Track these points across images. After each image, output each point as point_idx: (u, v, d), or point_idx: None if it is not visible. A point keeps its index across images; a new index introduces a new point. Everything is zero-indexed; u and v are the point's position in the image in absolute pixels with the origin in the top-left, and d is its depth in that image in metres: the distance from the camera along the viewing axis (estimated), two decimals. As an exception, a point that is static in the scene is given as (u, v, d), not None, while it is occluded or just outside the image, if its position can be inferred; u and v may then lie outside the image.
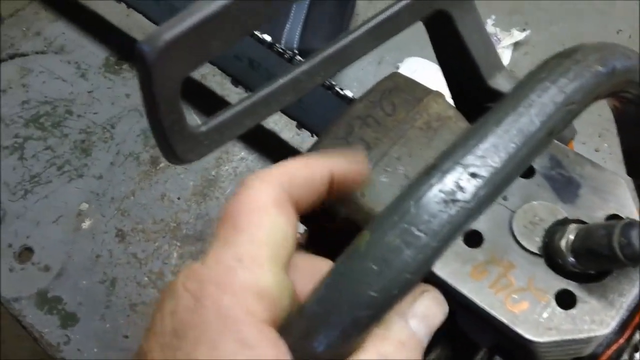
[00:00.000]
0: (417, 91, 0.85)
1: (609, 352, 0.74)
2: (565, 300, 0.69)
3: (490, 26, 1.58)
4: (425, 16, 0.77)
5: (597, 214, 0.74)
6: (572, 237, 0.68)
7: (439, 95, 0.86)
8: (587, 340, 0.67)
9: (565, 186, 0.76)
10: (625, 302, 0.68)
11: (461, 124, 0.84)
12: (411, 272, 0.50)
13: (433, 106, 0.85)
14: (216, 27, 0.55)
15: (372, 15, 0.73)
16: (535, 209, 0.74)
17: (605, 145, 1.66)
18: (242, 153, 1.53)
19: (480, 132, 0.53)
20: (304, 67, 0.69)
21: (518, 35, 1.58)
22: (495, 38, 1.55)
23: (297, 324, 0.51)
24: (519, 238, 0.72)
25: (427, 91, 0.86)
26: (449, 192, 0.51)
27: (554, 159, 0.78)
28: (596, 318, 0.67)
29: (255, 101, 0.66)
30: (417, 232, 0.50)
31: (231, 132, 0.66)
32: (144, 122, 1.60)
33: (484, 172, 0.52)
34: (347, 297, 0.51)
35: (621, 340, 0.75)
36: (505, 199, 0.76)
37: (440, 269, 0.71)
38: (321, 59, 0.70)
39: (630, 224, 0.62)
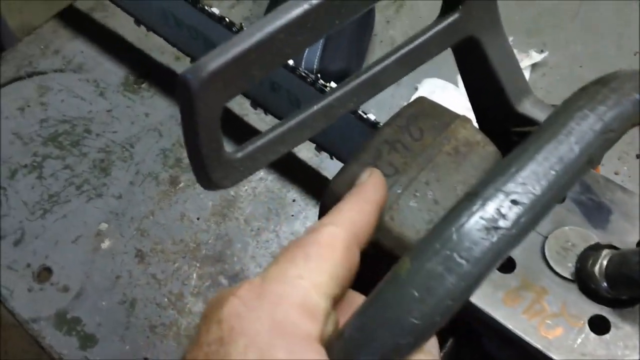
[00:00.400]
0: (444, 116, 0.86)
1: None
2: (599, 325, 0.69)
3: (507, 48, 1.58)
4: (455, 42, 0.77)
5: (628, 239, 0.74)
6: (605, 262, 0.68)
7: (467, 120, 0.86)
8: (621, 367, 0.67)
9: (596, 211, 0.76)
10: (660, 328, 0.68)
11: (489, 148, 0.84)
12: (453, 298, 0.51)
13: (461, 131, 0.85)
14: (256, 58, 0.56)
15: (402, 43, 0.73)
16: (567, 234, 0.74)
17: (625, 168, 1.67)
18: (261, 173, 1.53)
19: (520, 159, 0.54)
20: (336, 95, 0.70)
21: (536, 57, 1.58)
22: (512, 60, 1.55)
23: (338, 346, 0.52)
24: (551, 263, 0.72)
25: (454, 116, 0.86)
26: (491, 219, 0.51)
27: (584, 184, 0.79)
28: (630, 344, 0.67)
29: (289, 128, 0.67)
30: (459, 259, 0.50)
31: (265, 158, 0.66)
32: (163, 142, 1.61)
33: (525, 200, 0.52)
34: (389, 323, 0.51)
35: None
36: (536, 224, 0.76)
37: (473, 295, 0.71)
38: (353, 86, 0.71)
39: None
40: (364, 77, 0.71)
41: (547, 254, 0.73)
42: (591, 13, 1.70)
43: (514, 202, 0.52)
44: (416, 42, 0.72)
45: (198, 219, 1.50)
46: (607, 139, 0.55)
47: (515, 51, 0.88)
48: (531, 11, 1.72)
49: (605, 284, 0.68)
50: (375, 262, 0.66)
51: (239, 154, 0.64)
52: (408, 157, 0.83)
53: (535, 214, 0.52)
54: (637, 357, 0.66)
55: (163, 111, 1.67)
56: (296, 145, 0.70)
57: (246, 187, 1.52)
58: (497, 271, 0.72)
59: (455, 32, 0.75)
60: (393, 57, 0.72)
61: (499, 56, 0.82)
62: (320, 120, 0.70)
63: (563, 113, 0.56)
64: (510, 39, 1.63)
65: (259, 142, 0.65)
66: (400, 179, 0.81)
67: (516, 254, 0.74)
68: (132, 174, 1.58)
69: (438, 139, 0.84)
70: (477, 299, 0.71)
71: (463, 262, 0.50)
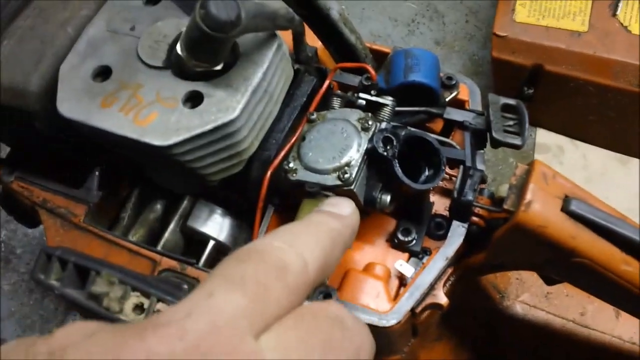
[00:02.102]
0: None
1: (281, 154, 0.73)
2: (193, 100, 0.67)
3: None
4: None
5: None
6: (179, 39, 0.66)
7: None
8: (219, 131, 0.65)
9: (192, 2, 0.74)
10: (250, 84, 0.67)
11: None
12: None
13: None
14: None
15: None
16: (160, 28, 0.72)
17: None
18: None
19: None
20: None
21: None
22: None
23: None
24: (143, 58, 0.70)
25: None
26: None
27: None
28: (222, 106, 0.66)
29: None
30: None
31: None
32: None
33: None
34: None
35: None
36: (133, 29, 0.73)
37: (70, 110, 0.68)
38: None
39: (208, -4, 0.60)
40: None
41: (139, 51, 0.70)
42: None
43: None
44: None
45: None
46: None
47: None
48: None
49: (187, 56, 0.66)
50: None
51: None
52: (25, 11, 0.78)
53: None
54: (233, 116, 0.65)
55: None
56: None
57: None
58: (92, 81, 0.69)
59: None
60: None
61: None
62: None
63: None
64: None
65: None
66: (8, 30, 0.76)
67: (112, 61, 0.71)
68: None
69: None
70: (75, 113, 0.68)
71: None
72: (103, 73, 0.70)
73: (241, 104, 0.66)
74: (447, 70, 0.83)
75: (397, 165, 0.68)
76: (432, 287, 0.73)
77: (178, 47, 0.66)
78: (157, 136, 0.65)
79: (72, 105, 0.68)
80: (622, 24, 1.31)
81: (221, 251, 0.82)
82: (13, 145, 0.89)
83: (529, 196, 0.64)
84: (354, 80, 0.83)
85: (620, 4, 1.33)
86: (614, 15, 1.32)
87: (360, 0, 1.90)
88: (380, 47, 0.93)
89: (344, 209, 0.55)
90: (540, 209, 0.63)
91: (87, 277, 0.73)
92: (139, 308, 0.52)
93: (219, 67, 0.68)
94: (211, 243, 0.81)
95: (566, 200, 0.65)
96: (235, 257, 0.42)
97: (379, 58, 0.90)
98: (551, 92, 1.39)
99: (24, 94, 0.73)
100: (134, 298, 0.70)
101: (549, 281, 0.81)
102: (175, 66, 0.68)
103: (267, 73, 0.69)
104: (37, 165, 0.87)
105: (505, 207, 0.66)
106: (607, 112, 1.38)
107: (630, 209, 1.40)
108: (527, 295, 1.03)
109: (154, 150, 0.65)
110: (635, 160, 1.49)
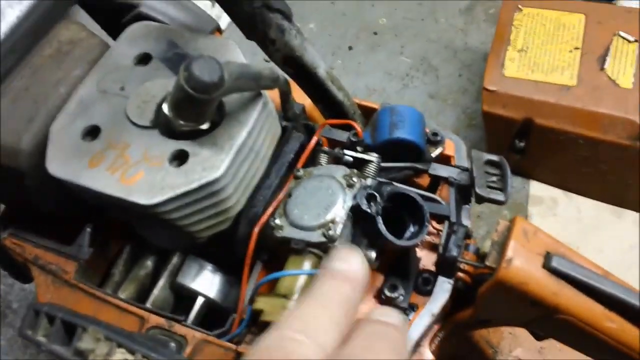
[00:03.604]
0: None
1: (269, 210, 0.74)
2: (179, 159, 0.68)
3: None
4: None
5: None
6: (169, 97, 0.68)
7: (71, 21, 0.85)
8: (204, 189, 0.66)
9: (181, 63, 0.75)
10: (235, 143, 0.68)
11: (94, 40, 0.83)
12: None
13: (64, 33, 0.83)
14: None
15: None
16: (149, 88, 0.74)
17: (339, 61, 1.77)
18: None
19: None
20: None
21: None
22: None
23: None
24: (132, 118, 0.71)
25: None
26: None
27: (170, 43, 0.78)
28: (207, 165, 0.67)
29: None
30: None
31: None
32: None
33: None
34: None
35: (280, 196, 0.76)
36: (122, 89, 0.75)
37: (59, 170, 0.69)
38: None
39: (193, 59, 0.62)
40: None
41: (128, 111, 0.72)
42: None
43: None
44: None
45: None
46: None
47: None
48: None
49: (172, 115, 0.67)
50: None
51: None
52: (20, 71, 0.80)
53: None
54: (217, 175, 0.66)
55: None
56: None
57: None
58: (82, 141, 0.71)
59: None
60: None
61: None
62: None
63: None
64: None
65: None
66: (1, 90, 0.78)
67: (101, 121, 0.72)
68: None
69: (38, 46, 0.82)
70: (64, 173, 0.69)
71: None
72: (92, 132, 0.72)
73: (225, 162, 0.67)
74: (440, 124, 0.85)
75: (381, 222, 0.68)
76: (417, 345, 0.73)
77: (165, 107, 0.68)
78: (143, 195, 0.66)
79: (60, 164, 0.70)
80: (610, 77, 1.33)
81: (211, 307, 0.82)
82: (6, 202, 0.91)
83: (509, 253, 0.64)
84: (343, 135, 0.84)
85: (608, 58, 1.35)
86: (602, 69, 1.34)
87: (356, 55, 1.94)
88: (369, 103, 0.94)
89: (354, 263, 0.51)
90: (521, 265, 0.64)
91: (74, 333, 0.73)
92: (123, 365, 0.52)
93: (205, 126, 0.69)
94: (200, 299, 0.81)
95: (547, 256, 0.65)
96: None
97: (369, 114, 0.92)
98: (542, 145, 1.40)
99: (16, 152, 0.74)
100: (120, 355, 0.70)
101: (538, 336, 0.80)
102: (163, 125, 0.70)
103: (253, 132, 0.71)
104: (30, 221, 0.87)
105: (487, 263, 0.66)
106: (598, 165, 1.39)
107: (624, 261, 1.40)
108: (521, 350, 1.03)
109: (141, 209, 0.66)
110: (629, 212, 1.50)
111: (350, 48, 1.96)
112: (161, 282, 0.83)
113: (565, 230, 1.46)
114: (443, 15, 1.99)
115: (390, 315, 0.49)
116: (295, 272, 0.70)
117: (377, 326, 0.47)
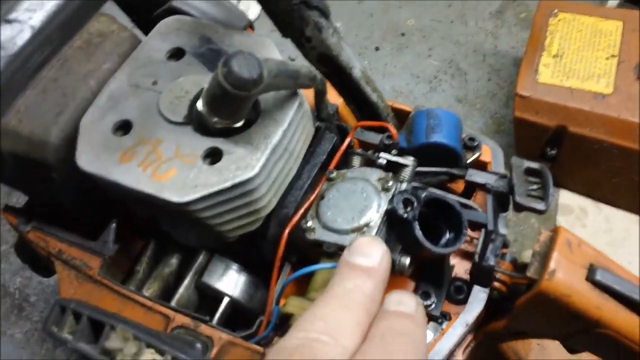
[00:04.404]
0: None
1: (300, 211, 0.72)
2: (212, 157, 0.66)
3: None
4: None
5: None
6: (202, 93, 0.66)
7: (103, 14, 0.83)
8: (237, 188, 0.65)
9: (215, 58, 0.74)
10: (270, 142, 0.67)
11: (124, 34, 0.82)
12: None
13: (94, 25, 0.82)
14: None
15: None
16: (182, 84, 0.72)
17: (366, 62, 1.73)
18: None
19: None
20: None
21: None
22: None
23: None
24: (164, 113, 0.70)
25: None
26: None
27: (203, 38, 0.77)
28: (241, 164, 0.65)
29: None
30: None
31: None
32: None
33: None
34: None
35: (311, 197, 0.74)
36: (155, 83, 0.73)
37: (89, 164, 0.68)
38: None
39: (232, 55, 0.60)
40: None
41: (161, 106, 0.70)
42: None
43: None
44: None
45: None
46: None
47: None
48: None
49: (208, 113, 0.65)
50: None
51: None
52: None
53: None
54: (252, 174, 0.64)
55: None
56: None
57: None
58: (113, 136, 0.69)
59: None
60: None
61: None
62: None
63: None
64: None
65: None
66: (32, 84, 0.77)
67: (133, 115, 0.71)
68: None
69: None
70: (94, 167, 0.68)
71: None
72: (123, 127, 0.70)
73: (260, 162, 0.65)
74: (468, 128, 0.83)
75: (418, 227, 0.66)
76: (451, 354, 0.71)
77: (199, 104, 0.66)
78: (175, 192, 0.64)
79: (91, 158, 0.68)
80: (646, 86, 1.30)
81: (236, 308, 0.80)
82: (31, 195, 0.89)
83: (553, 265, 0.62)
84: (375, 138, 0.82)
85: (645, 67, 1.32)
86: (639, 78, 1.31)
87: (383, 56, 1.92)
88: (402, 105, 0.92)
89: (375, 256, 0.49)
90: (565, 278, 0.61)
91: (101, 332, 0.72)
92: (152, 365, 0.51)
93: (239, 124, 0.68)
94: (226, 300, 0.79)
95: (591, 269, 0.63)
96: None
97: (401, 117, 0.90)
98: (574, 153, 1.38)
99: (43, 145, 0.73)
100: (149, 355, 0.68)
101: (572, 350, 0.78)
102: (196, 122, 0.68)
103: (288, 131, 0.69)
104: (54, 215, 0.86)
105: (528, 274, 0.64)
106: (631, 176, 1.36)
107: (654, 274, 1.37)
108: (549, 363, 1.00)
109: (172, 207, 0.64)
110: (660, 224, 1.47)
111: (377, 49, 1.93)
112: (186, 281, 0.81)
113: (593, 241, 1.42)
114: (473, 18, 1.96)
115: (406, 303, 0.48)
116: (322, 265, 0.67)
117: (393, 320, 0.46)
